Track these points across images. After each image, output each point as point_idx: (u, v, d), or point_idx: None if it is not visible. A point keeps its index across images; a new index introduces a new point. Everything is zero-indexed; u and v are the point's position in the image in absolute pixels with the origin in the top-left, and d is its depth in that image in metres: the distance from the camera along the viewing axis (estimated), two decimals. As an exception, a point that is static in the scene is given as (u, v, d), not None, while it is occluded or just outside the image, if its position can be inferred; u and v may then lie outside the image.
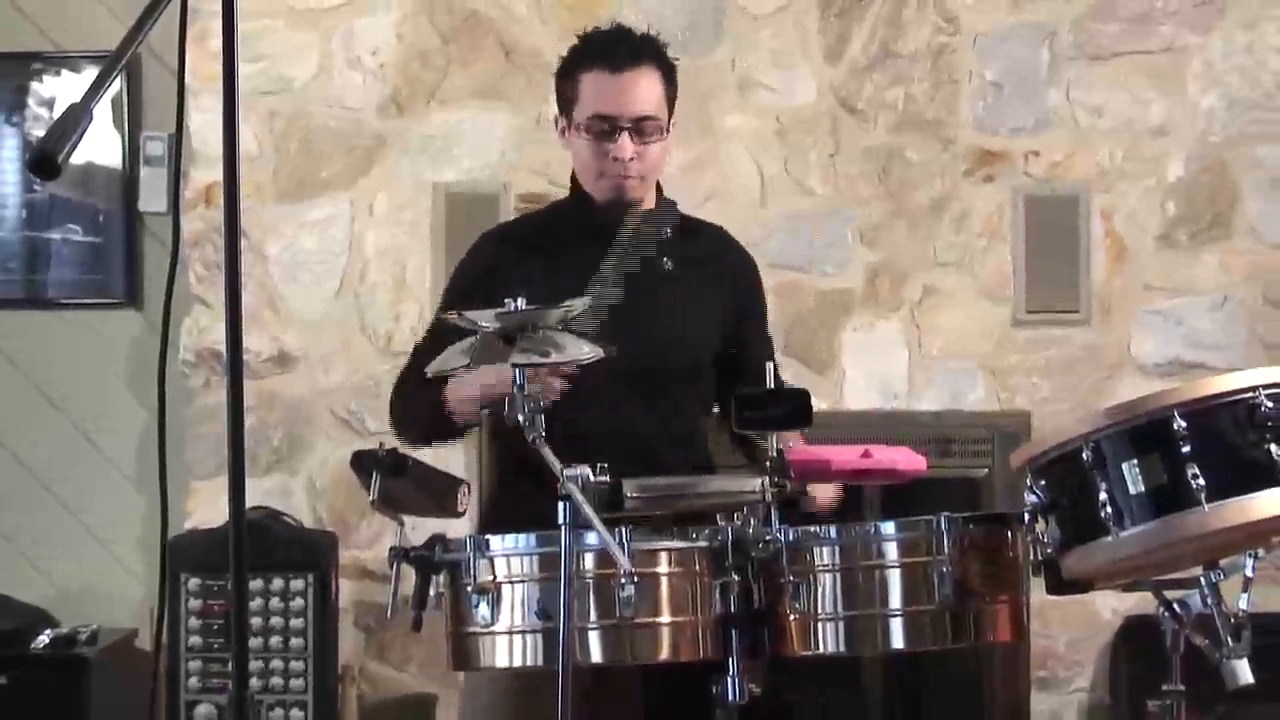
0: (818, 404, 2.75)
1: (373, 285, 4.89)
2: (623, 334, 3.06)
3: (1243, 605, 2.62)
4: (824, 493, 2.93)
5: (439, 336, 2.96)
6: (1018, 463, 2.68)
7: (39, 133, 5.08)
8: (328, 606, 4.47)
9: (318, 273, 4.89)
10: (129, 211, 5.11)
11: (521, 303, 2.60)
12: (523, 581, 2.63)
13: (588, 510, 2.49)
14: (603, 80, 3.15)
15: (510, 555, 2.65)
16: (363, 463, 2.74)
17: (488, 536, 2.70)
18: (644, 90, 3.14)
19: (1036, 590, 2.73)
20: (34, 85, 5.13)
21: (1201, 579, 2.64)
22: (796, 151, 4.87)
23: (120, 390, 5.11)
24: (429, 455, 2.94)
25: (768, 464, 2.67)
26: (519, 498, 3.01)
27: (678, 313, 3.21)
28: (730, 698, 2.64)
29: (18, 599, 4.84)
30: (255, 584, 4.40)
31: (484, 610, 2.62)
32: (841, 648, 2.68)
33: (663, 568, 2.63)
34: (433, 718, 4.82)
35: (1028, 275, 4.85)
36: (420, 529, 2.74)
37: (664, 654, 2.64)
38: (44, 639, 4.63)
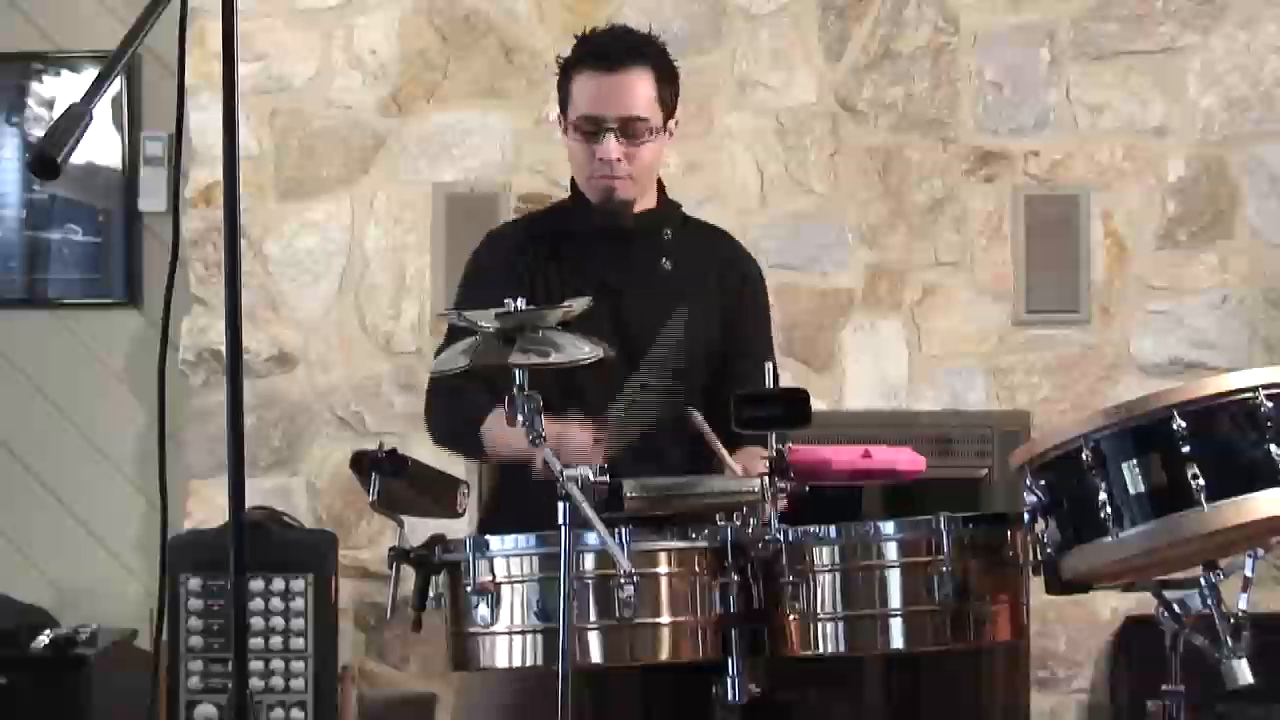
0: (818, 404, 2.74)
1: (373, 285, 4.89)
2: (622, 334, 3.06)
3: (1243, 605, 2.62)
4: (754, 466, 2.84)
5: (455, 336, 2.94)
6: (1017, 462, 2.68)
7: (39, 133, 5.08)
8: (328, 606, 4.46)
9: (318, 272, 4.89)
10: (129, 211, 5.11)
11: (521, 303, 2.60)
12: (522, 582, 2.63)
13: (588, 510, 2.49)
14: (592, 81, 3.15)
15: (510, 555, 2.65)
16: (362, 463, 2.73)
17: (487, 537, 2.70)
18: (633, 91, 3.13)
19: (1036, 590, 2.73)
20: (34, 85, 5.13)
21: (1201, 579, 2.64)
22: (796, 151, 4.87)
23: (120, 390, 5.11)
24: (429, 455, 2.94)
25: (768, 464, 2.67)
26: (519, 498, 3.00)
27: (677, 313, 3.20)
28: (730, 698, 2.64)
29: (18, 599, 4.84)
30: (255, 584, 4.39)
31: (483, 610, 2.62)
32: (841, 648, 2.68)
33: (662, 568, 2.63)
34: (432, 717, 4.81)
35: (1027, 275, 4.84)
36: (420, 529, 2.74)
37: (664, 654, 2.64)
38: (44, 639, 4.62)
